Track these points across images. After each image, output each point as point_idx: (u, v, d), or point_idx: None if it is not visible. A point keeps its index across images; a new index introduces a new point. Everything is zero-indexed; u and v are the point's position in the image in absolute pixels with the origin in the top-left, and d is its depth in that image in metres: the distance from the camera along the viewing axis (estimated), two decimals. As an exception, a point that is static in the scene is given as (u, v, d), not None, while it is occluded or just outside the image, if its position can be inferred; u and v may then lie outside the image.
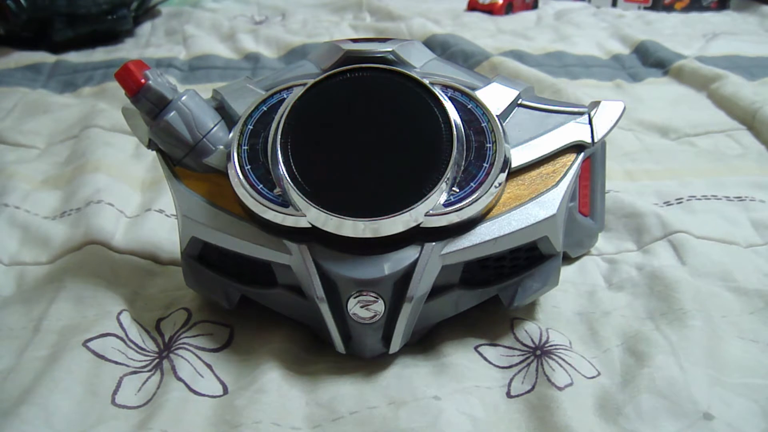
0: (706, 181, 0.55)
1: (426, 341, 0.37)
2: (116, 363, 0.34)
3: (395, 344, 0.34)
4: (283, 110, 0.34)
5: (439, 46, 0.89)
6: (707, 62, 0.82)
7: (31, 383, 0.33)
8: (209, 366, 0.35)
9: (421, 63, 0.38)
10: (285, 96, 0.36)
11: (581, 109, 0.37)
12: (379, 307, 0.32)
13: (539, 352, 0.35)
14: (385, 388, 0.33)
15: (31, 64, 0.84)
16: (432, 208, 0.32)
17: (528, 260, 0.36)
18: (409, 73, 0.35)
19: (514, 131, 0.36)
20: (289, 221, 0.32)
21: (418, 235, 0.32)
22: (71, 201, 0.50)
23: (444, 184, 0.32)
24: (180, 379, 0.34)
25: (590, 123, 0.37)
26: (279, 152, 0.33)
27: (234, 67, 0.85)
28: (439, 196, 0.32)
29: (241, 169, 0.34)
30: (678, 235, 0.45)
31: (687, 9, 1.21)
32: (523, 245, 0.35)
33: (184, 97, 0.35)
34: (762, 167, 0.58)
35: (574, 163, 0.36)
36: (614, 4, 1.27)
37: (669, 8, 1.21)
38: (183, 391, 0.33)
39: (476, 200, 0.32)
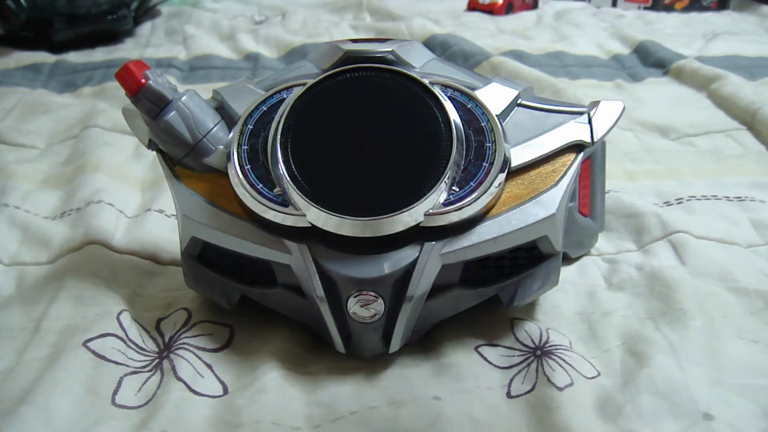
0: (706, 181, 0.55)
1: (426, 341, 0.37)
2: (116, 363, 0.34)
3: (395, 344, 0.34)
4: (283, 110, 0.34)
5: (439, 46, 0.89)
6: (707, 62, 0.82)
7: (31, 383, 0.33)
8: (209, 366, 0.35)
9: (420, 63, 0.38)
10: (285, 96, 0.36)
11: (581, 109, 0.37)
12: (379, 306, 0.32)
13: (539, 352, 0.35)
14: (385, 388, 0.33)
15: (31, 64, 0.84)
16: (432, 207, 0.32)
17: (528, 260, 0.36)
18: (408, 72, 0.35)
19: (514, 131, 0.36)
20: (289, 221, 0.32)
21: (417, 235, 0.32)
22: (71, 201, 0.50)
23: (444, 183, 0.32)
24: (180, 379, 0.34)
25: (590, 123, 0.37)
26: (279, 152, 0.33)
27: (234, 67, 0.85)
28: (439, 195, 0.32)
29: (241, 168, 0.34)
30: (678, 235, 0.45)
31: (687, 9, 1.21)
32: (522, 245, 0.35)
33: (184, 97, 0.35)
34: (762, 167, 0.58)
35: (573, 163, 0.36)
36: (614, 4, 1.27)
37: (669, 8, 1.21)
38: (183, 391, 0.33)
39: (476, 199, 0.32)
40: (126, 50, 0.92)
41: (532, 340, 0.36)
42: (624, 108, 0.38)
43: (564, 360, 0.35)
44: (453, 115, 0.34)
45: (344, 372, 0.34)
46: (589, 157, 0.41)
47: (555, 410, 0.31)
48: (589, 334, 0.38)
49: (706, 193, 0.52)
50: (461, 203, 0.32)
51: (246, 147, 0.34)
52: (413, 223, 0.32)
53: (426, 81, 0.35)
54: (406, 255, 0.32)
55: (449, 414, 0.31)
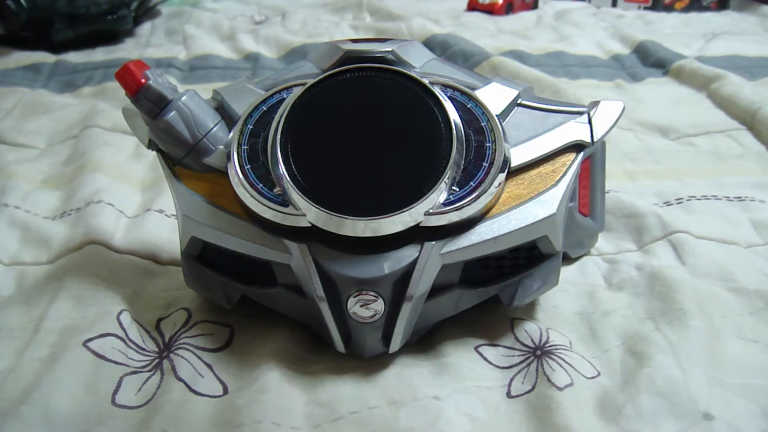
0: (706, 181, 0.55)
1: (426, 341, 0.37)
2: (116, 363, 0.34)
3: (395, 344, 0.34)
4: (283, 110, 0.34)
5: (439, 46, 0.89)
6: (707, 62, 0.82)
7: (31, 383, 0.33)
8: (209, 366, 0.35)
9: (420, 63, 0.38)
10: (285, 96, 0.36)
11: (581, 109, 0.37)
12: (379, 306, 0.32)
13: (539, 352, 0.35)
14: (385, 388, 0.33)
15: (31, 64, 0.84)
16: (432, 207, 0.32)
17: (528, 260, 0.36)
18: (408, 72, 0.35)
19: (514, 131, 0.36)
20: (289, 221, 0.32)
21: (417, 235, 0.32)
22: (71, 201, 0.50)
23: (443, 183, 0.32)
24: (180, 379, 0.34)
25: (590, 122, 0.37)
26: (279, 152, 0.33)
27: (234, 67, 0.85)
28: (439, 195, 0.32)
29: (241, 168, 0.34)
30: (678, 235, 0.45)
31: (687, 9, 1.21)
32: (522, 244, 0.35)
33: (184, 97, 0.35)
34: (762, 167, 0.58)
35: (573, 163, 0.36)
36: (614, 4, 1.27)
37: (669, 8, 1.21)
38: (183, 391, 0.33)
39: (476, 199, 0.32)
40: (126, 50, 0.92)
41: (532, 340, 0.36)
42: (624, 108, 0.38)
43: (564, 360, 0.35)
44: (453, 115, 0.34)
45: (344, 372, 0.34)
46: (589, 157, 0.41)
47: (555, 410, 0.31)
48: (589, 334, 0.38)
49: (706, 193, 0.52)
50: (461, 203, 0.32)
51: (246, 147, 0.34)
52: (413, 223, 0.32)
53: (426, 81, 0.35)
54: (406, 255, 0.32)
55: (449, 414, 0.31)
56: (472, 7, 1.18)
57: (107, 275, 0.41)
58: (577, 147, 0.36)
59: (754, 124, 0.65)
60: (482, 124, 0.35)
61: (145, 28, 1.03)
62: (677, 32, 1.04)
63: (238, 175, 0.33)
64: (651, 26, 1.08)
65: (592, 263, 0.44)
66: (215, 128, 0.35)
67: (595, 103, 0.38)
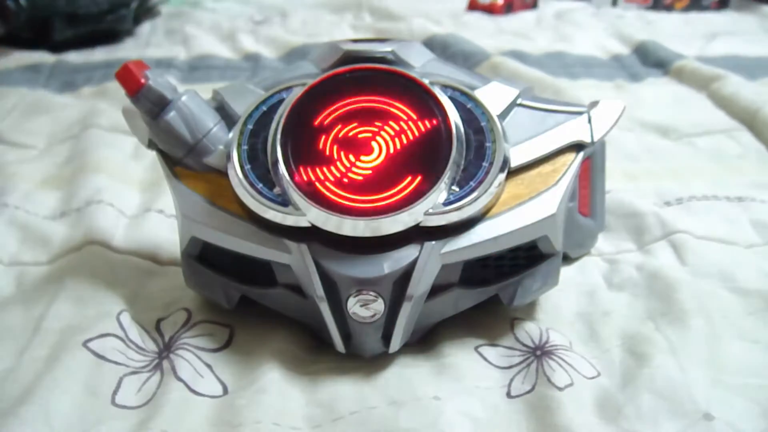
0: (706, 181, 0.55)
1: (426, 341, 0.37)
2: (116, 363, 0.34)
3: (395, 343, 0.34)
4: (283, 110, 0.35)
5: (439, 46, 0.89)
6: (707, 62, 0.82)
7: (31, 383, 0.33)
8: (209, 366, 0.35)
9: (420, 63, 0.38)
10: (285, 96, 0.36)
11: (581, 109, 0.37)
12: (379, 306, 0.32)
13: (539, 352, 0.35)
14: (385, 388, 0.33)
15: (31, 64, 0.84)
16: (431, 207, 0.32)
17: (528, 259, 0.36)
18: (408, 73, 0.35)
19: (514, 130, 0.36)
20: (289, 220, 0.32)
21: (417, 235, 0.32)
22: (71, 201, 0.50)
23: (443, 183, 0.32)
24: (180, 380, 0.34)
25: (590, 122, 0.37)
26: (279, 152, 0.33)
27: (234, 67, 0.85)
28: (439, 195, 0.32)
29: (241, 168, 0.34)
30: (678, 235, 0.45)
31: (687, 9, 1.21)
32: (522, 244, 0.35)
33: (184, 97, 0.35)
34: (762, 167, 0.58)
35: (573, 163, 0.36)
36: (614, 4, 1.27)
37: (669, 8, 1.21)
38: (183, 391, 0.33)
39: (476, 199, 0.32)
40: (126, 50, 0.92)
41: (532, 340, 0.36)
42: (624, 108, 0.38)
43: (564, 360, 0.35)
44: (453, 114, 0.34)
45: (344, 372, 0.34)
46: (589, 157, 0.41)
47: (555, 410, 0.31)
48: (589, 334, 0.38)
49: (706, 193, 0.52)
50: (461, 203, 0.32)
51: (246, 147, 0.35)
52: (413, 223, 0.32)
53: (426, 81, 0.35)
54: (406, 255, 0.32)
55: (449, 414, 0.31)
56: (473, 7, 1.18)
57: (107, 275, 0.41)
58: (576, 147, 0.36)
59: (754, 124, 0.65)
60: (482, 124, 0.35)
61: (145, 28, 1.03)
62: (677, 32, 1.04)
63: (238, 175, 0.34)
64: (651, 26, 1.08)
65: (592, 263, 0.44)
66: (215, 128, 0.36)
67: (595, 103, 0.38)
